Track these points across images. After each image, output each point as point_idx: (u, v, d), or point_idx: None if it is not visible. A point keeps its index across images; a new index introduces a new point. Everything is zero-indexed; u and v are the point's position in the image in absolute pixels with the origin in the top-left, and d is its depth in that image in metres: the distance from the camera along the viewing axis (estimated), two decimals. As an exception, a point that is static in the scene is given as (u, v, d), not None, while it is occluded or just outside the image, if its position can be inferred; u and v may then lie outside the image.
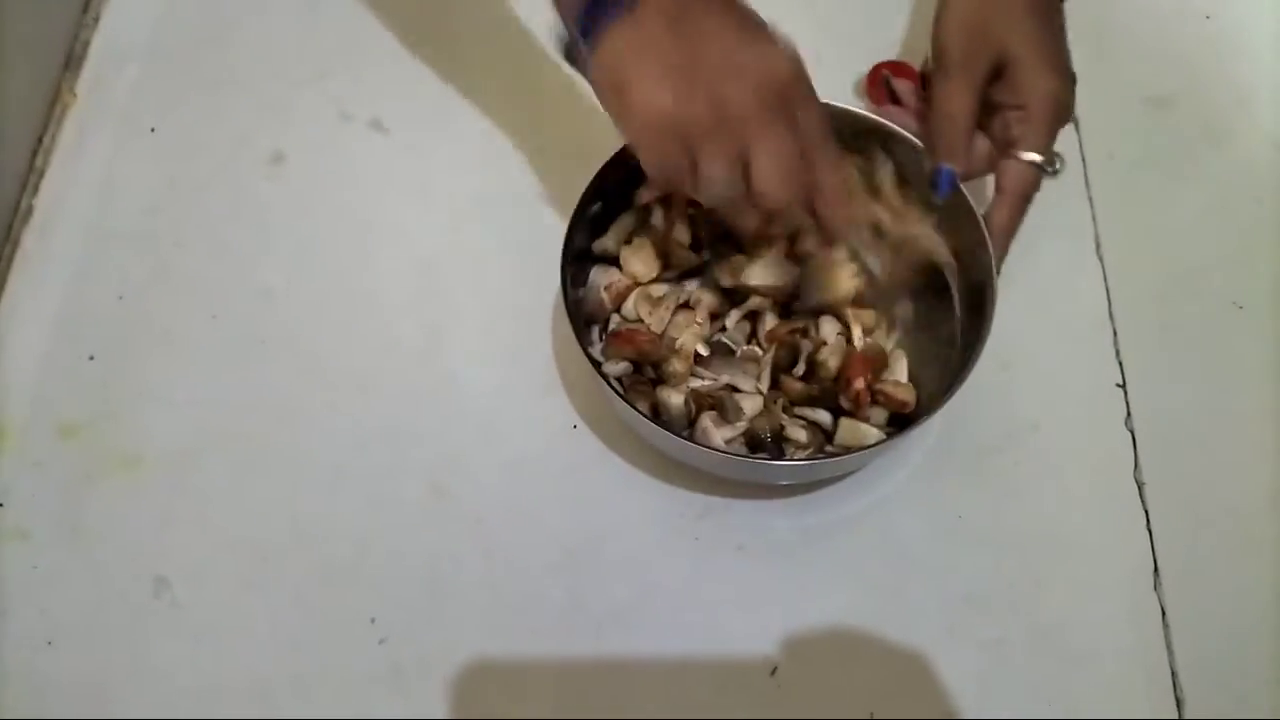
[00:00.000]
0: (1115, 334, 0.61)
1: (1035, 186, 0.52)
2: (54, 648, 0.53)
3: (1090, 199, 0.65)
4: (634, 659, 0.53)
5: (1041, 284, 0.59)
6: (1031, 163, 0.51)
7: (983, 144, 0.53)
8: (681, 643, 0.53)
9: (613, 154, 0.54)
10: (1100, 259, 0.63)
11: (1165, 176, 0.66)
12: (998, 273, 0.51)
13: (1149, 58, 0.71)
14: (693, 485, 0.56)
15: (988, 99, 0.52)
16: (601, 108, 0.46)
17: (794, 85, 0.44)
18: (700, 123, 0.43)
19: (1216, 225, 0.65)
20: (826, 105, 0.47)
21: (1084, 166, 0.66)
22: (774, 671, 0.52)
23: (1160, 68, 0.70)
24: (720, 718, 0.52)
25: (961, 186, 0.52)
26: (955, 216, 0.53)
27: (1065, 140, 0.65)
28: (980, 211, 0.52)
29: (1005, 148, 0.52)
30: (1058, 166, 0.51)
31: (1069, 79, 0.52)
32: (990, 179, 0.54)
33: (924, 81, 0.57)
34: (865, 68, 0.65)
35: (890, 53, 0.67)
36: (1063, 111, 0.51)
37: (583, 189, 0.62)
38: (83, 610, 0.54)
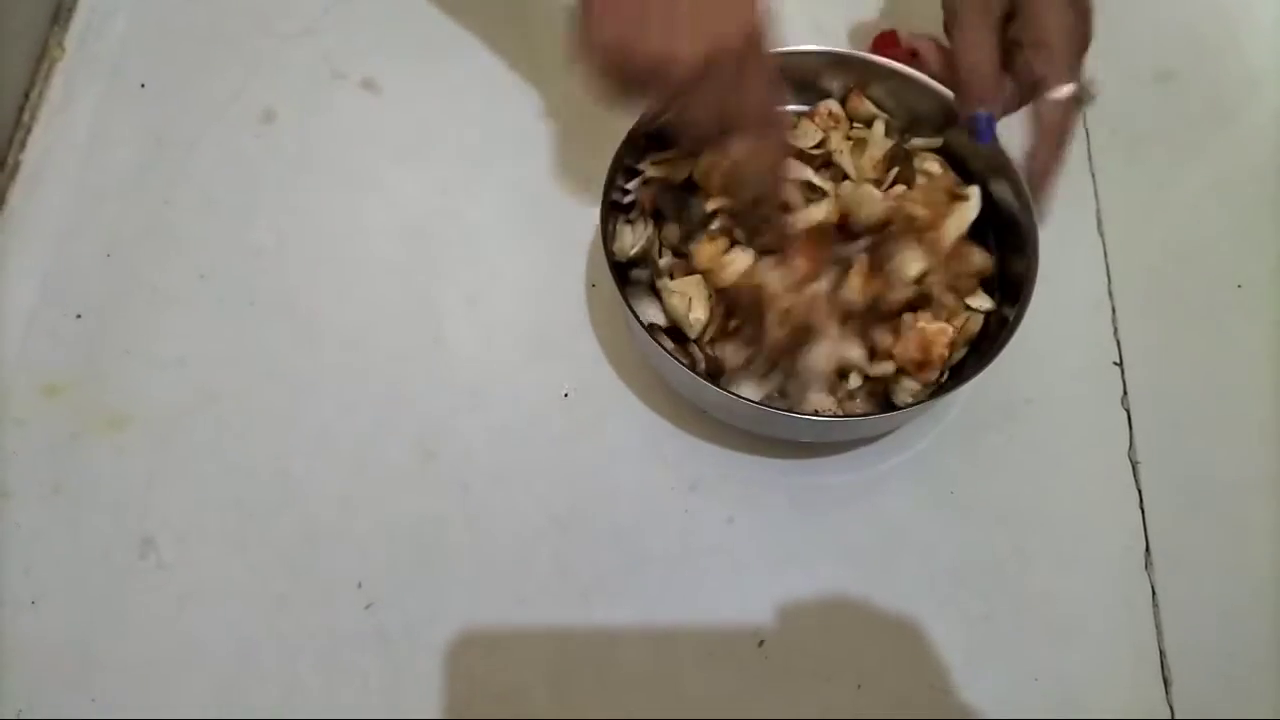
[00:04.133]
0: (1114, 311, 0.60)
1: (1072, 121, 0.51)
2: (37, 607, 0.52)
3: (1092, 174, 0.64)
4: (621, 628, 0.52)
5: (1040, 259, 0.58)
6: (1063, 99, 0.51)
7: (1008, 84, 0.52)
8: (669, 613, 0.53)
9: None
10: (1101, 235, 0.62)
11: (1169, 153, 0.66)
12: (1039, 218, 0.52)
13: (1156, 32, 0.70)
14: (683, 458, 0.56)
15: (1006, 39, 0.51)
16: None
17: (748, 45, 0.44)
18: (642, 60, 0.43)
19: (1219, 204, 0.64)
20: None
21: (1087, 141, 0.65)
22: (761, 643, 0.52)
23: (1167, 42, 0.69)
24: (707, 688, 0.51)
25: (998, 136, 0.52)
26: (998, 167, 0.54)
27: (1069, 114, 0.65)
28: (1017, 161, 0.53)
29: (1034, 87, 0.51)
30: (1091, 96, 0.51)
31: (1086, 6, 0.51)
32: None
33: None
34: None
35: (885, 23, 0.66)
36: (1084, 40, 0.51)
37: (579, 153, 0.62)
38: (67, 570, 0.53)
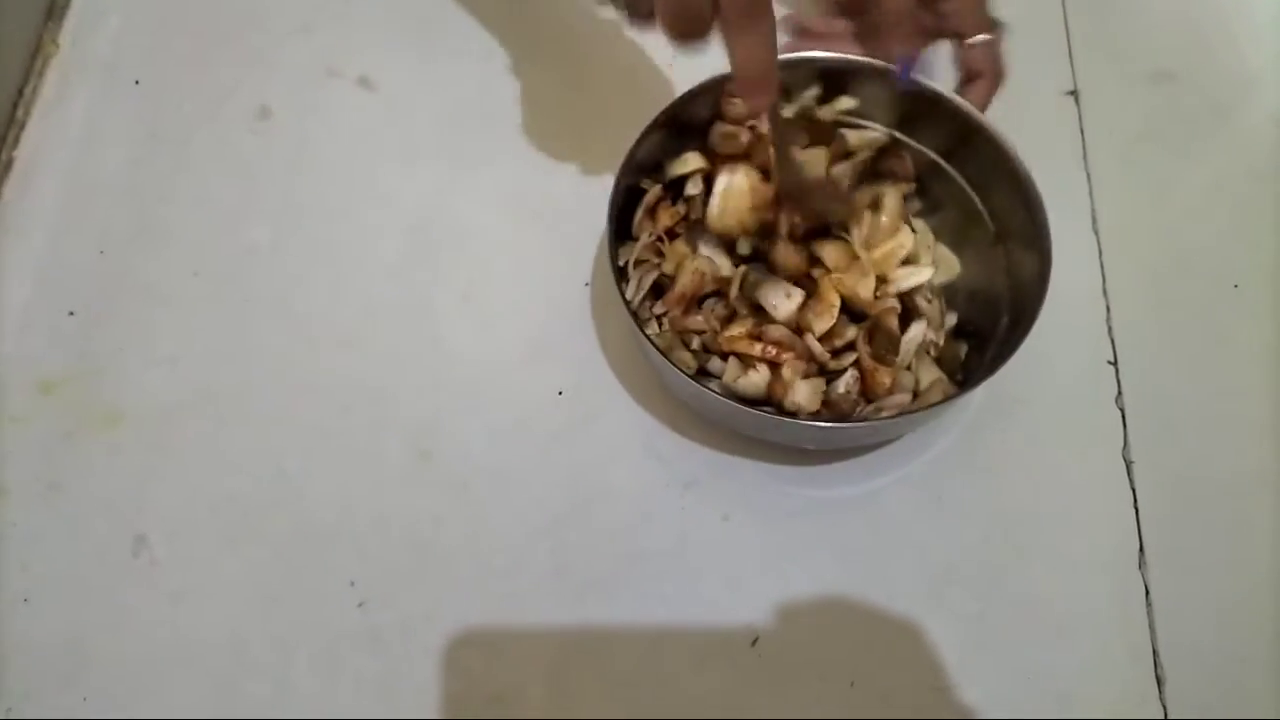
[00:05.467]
0: (1108, 310, 0.60)
1: (999, 61, 0.53)
2: (31, 604, 0.52)
3: (1088, 173, 0.64)
4: (616, 627, 0.52)
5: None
6: (984, 43, 0.53)
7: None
8: (664, 612, 0.53)
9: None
10: (1096, 234, 0.62)
11: (1165, 153, 0.65)
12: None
13: (1153, 30, 0.69)
14: (679, 456, 0.56)
15: None
16: None
17: None
18: None
19: (1216, 203, 0.64)
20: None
21: (1082, 140, 0.65)
22: (755, 642, 0.52)
23: (1164, 41, 0.69)
24: (701, 686, 0.51)
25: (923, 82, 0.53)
26: (994, 162, 0.54)
27: (1063, 113, 0.66)
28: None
29: (950, 36, 0.53)
30: (1004, 32, 0.53)
31: None
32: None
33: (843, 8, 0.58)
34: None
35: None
36: None
37: (576, 151, 0.61)
38: (61, 567, 0.53)
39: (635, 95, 0.53)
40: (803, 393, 0.52)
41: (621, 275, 0.55)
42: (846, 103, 0.56)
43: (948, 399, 0.51)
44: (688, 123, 0.55)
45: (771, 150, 0.53)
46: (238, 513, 0.54)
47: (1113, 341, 0.59)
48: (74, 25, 0.68)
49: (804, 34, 0.57)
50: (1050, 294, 0.50)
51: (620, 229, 0.55)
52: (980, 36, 0.53)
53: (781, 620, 0.53)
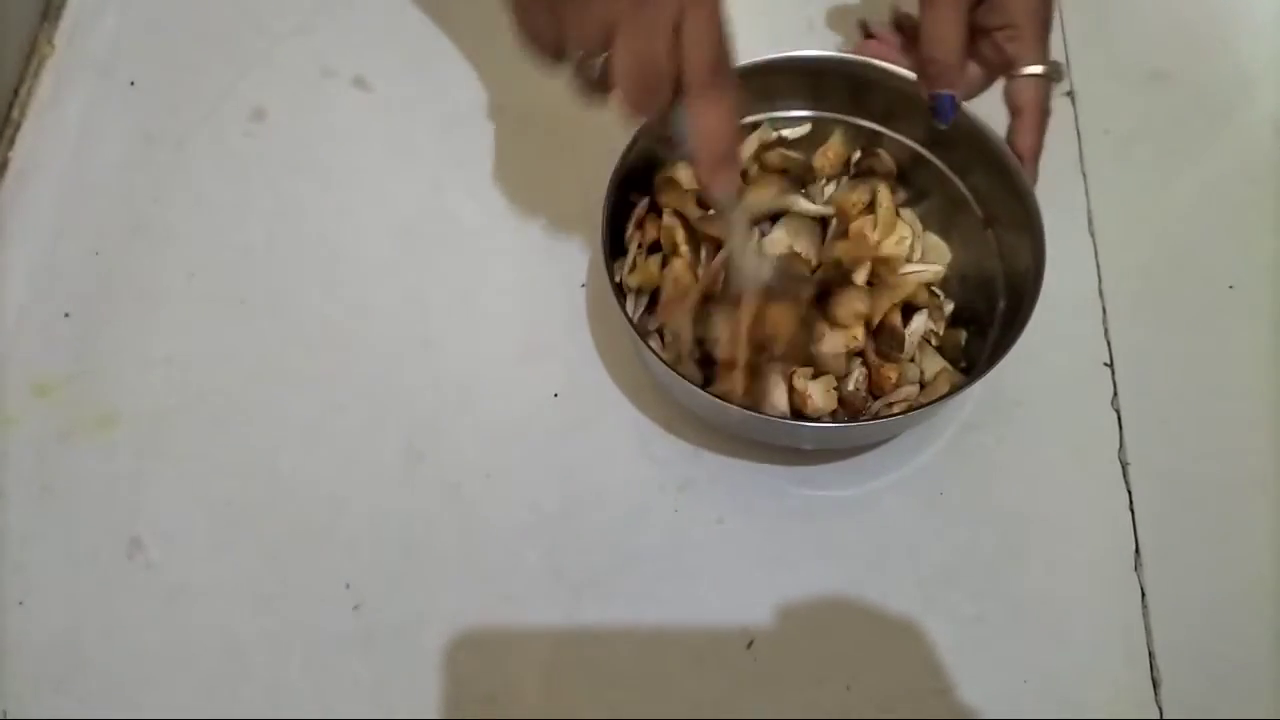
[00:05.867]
0: (1104, 312, 0.60)
1: (1048, 99, 0.52)
2: (26, 607, 0.52)
3: (1084, 173, 0.64)
4: (610, 629, 0.52)
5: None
6: (1037, 76, 0.51)
7: (973, 69, 0.53)
8: (658, 613, 0.53)
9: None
10: (1091, 235, 0.62)
11: (1161, 153, 0.65)
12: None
13: (1150, 30, 0.69)
14: (673, 457, 0.56)
15: (972, 24, 0.51)
16: None
17: None
18: None
19: (1211, 204, 0.64)
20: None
21: (1078, 140, 0.65)
22: (751, 644, 0.52)
23: (1161, 41, 0.69)
24: (696, 688, 0.51)
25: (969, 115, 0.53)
26: (978, 148, 0.54)
27: (1060, 113, 0.65)
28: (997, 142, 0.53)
29: (1004, 69, 0.52)
30: (1061, 74, 0.52)
31: None
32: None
33: (898, 25, 0.57)
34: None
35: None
36: (1049, 21, 0.52)
37: (571, 152, 0.62)
38: (56, 569, 0.53)
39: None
40: (817, 395, 0.52)
41: (619, 291, 0.54)
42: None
43: (955, 390, 0.51)
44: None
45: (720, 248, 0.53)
46: (233, 514, 0.54)
47: (1108, 343, 0.59)
48: (69, 26, 0.67)
49: (863, 39, 0.56)
50: (1046, 295, 0.50)
51: (615, 243, 0.55)
52: (1035, 69, 0.51)
53: (777, 622, 0.53)
